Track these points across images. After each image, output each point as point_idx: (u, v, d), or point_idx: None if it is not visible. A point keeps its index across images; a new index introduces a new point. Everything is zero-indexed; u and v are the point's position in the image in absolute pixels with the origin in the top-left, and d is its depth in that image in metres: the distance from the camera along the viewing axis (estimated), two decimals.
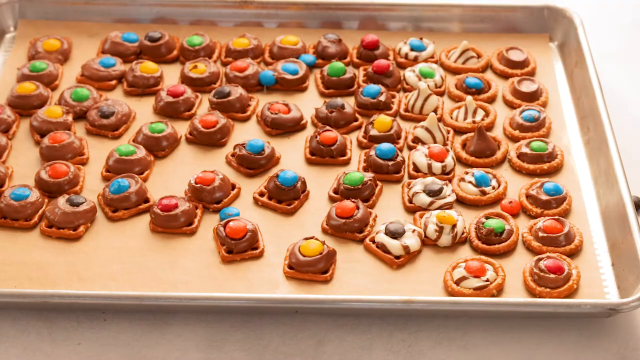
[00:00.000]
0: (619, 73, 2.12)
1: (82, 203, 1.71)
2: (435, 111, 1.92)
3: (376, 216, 1.73)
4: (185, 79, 1.99)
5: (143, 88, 1.98)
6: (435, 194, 1.74)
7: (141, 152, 1.81)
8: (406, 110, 1.93)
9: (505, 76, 2.02)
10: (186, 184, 1.77)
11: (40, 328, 1.58)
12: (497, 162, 1.83)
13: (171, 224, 1.70)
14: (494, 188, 1.77)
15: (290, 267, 1.64)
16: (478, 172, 1.78)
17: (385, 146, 1.81)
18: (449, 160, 1.80)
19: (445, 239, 1.68)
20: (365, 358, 1.56)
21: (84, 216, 1.70)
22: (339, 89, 1.98)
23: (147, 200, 1.75)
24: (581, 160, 1.86)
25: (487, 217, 1.71)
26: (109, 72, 1.99)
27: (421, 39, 2.07)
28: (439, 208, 1.73)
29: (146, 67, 1.99)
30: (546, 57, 2.07)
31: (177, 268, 1.65)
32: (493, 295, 1.60)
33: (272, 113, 1.90)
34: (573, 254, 1.67)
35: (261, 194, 1.77)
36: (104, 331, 1.58)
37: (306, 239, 1.66)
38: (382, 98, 1.92)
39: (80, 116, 1.92)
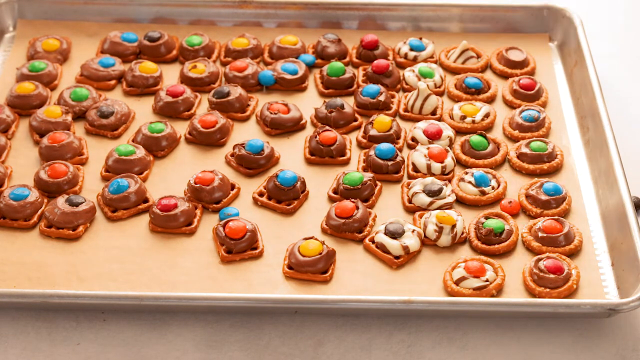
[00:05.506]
0: (619, 73, 2.12)
1: (81, 203, 1.71)
2: (434, 111, 1.92)
3: (376, 216, 1.73)
4: (185, 79, 1.99)
5: (142, 88, 1.97)
6: (434, 194, 1.74)
7: (140, 152, 1.81)
8: (405, 110, 1.93)
9: (505, 76, 2.02)
10: (185, 184, 1.77)
11: (39, 328, 1.58)
12: (496, 162, 1.83)
13: (170, 224, 1.70)
14: (493, 188, 1.77)
15: (289, 267, 1.64)
16: (477, 172, 1.77)
17: (385, 146, 1.81)
18: (449, 160, 1.80)
19: (445, 239, 1.68)
20: (364, 358, 1.55)
21: (83, 216, 1.70)
22: (339, 89, 1.98)
23: (146, 200, 1.75)
24: (581, 160, 1.86)
25: (486, 217, 1.71)
26: (108, 72, 1.99)
27: (420, 38, 2.07)
28: (439, 208, 1.73)
29: (145, 67, 1.99)
30: (546, 57, 2.07)
31: (176, 268, 1.64)
32: (493, 296, 1.60)
33: (271, 113, 1.89)
34: (573, 254, 1.67)
35: (260, 194, 1.77)
36: (104, 331, 1.58)
37: (306, 239, 1.66)
38: (382, 98, 1.92)
39: (80, 116, 1.92)
